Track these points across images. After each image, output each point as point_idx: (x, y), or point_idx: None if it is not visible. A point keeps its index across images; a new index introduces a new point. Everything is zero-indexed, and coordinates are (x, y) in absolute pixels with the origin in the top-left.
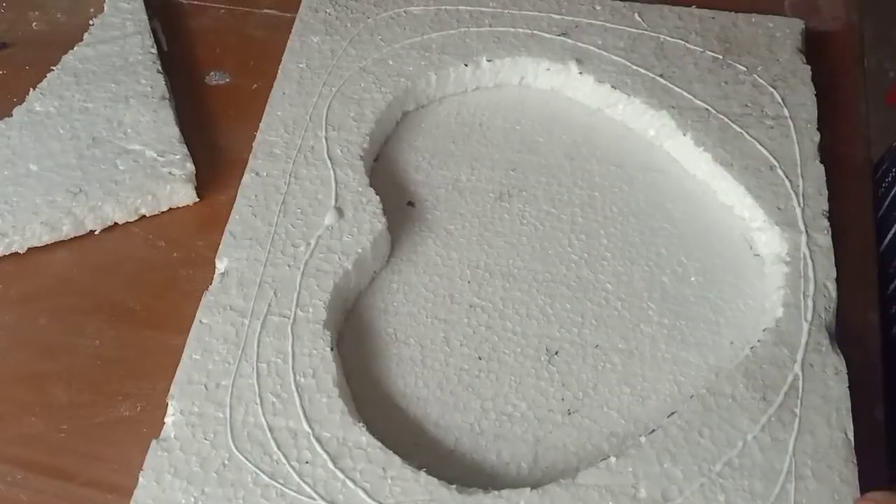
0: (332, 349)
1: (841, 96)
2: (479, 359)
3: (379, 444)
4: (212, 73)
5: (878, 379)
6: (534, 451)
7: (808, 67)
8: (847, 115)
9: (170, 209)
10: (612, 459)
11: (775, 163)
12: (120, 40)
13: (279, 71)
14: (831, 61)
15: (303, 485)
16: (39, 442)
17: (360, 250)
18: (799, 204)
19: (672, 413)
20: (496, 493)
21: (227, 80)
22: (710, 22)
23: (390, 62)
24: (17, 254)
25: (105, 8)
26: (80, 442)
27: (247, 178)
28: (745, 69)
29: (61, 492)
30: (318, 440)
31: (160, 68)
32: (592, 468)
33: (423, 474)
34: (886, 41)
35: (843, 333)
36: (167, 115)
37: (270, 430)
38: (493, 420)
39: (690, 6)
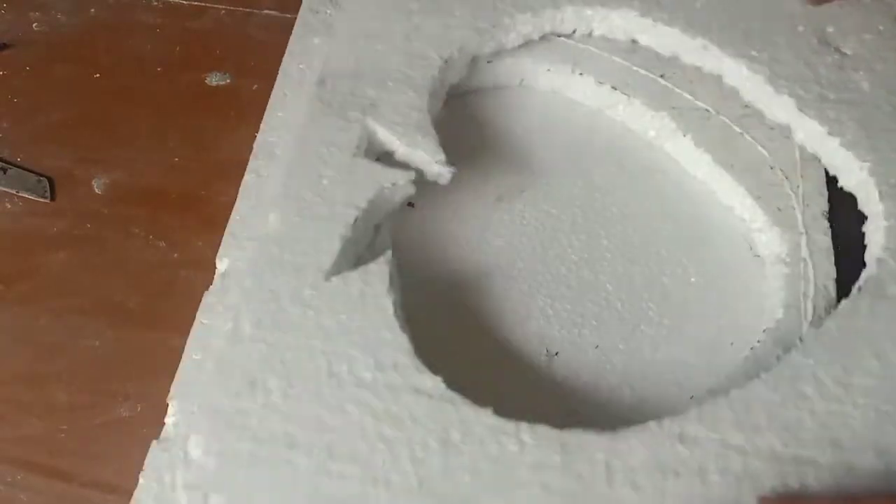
0: None
1: None
2: (479, 359)
3: None
4: (212, 73)
5: None
6: None
7: None
8: None
9: (170, 209)
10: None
11: (775, 164)
12: None
13: (280, 72)
14: None
15: None
16: (39, 442)
17: (360, 250)
18: (799, 205)
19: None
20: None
21: (228, 80)
22: None
23: None
24: (17, 254)
25: None
26: (80, 442)
27: (248, 178)
28: None
29: (61, 492)
30: None
31: None
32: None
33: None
34: None
35: None
36: None
37: None
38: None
39: None
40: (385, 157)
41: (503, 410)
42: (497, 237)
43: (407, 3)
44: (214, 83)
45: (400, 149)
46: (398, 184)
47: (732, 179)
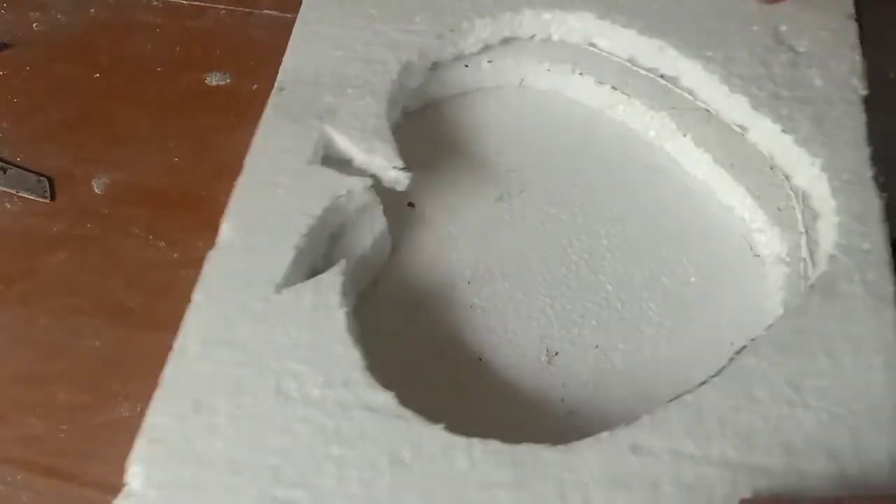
0: None
1: None
2: (479, 360)
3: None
4: (212, 73)
5: None
6: None
7: None
8: None
9: (170, 209)
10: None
11: (775, 164)
12: None
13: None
14: None
15: None
16: (39, 442)
17: (360, 251)
18: (799, 205)
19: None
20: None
21: (228, 80)
22: None
23: None
24: (17, 254)
25: None
26: (80, 442)
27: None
28: None
29: (61, 492)
30: None
31: None
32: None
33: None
34: (886, 41)
35: None
36: None
37: None
38: (492, 421)
39: None
40: (344, 165)
41: (502, 411)
42: (497, 237)
43: (366, 9)
44: (214, 83)
45: (358, 156)
46: (354, 191)
47: (732, 179)
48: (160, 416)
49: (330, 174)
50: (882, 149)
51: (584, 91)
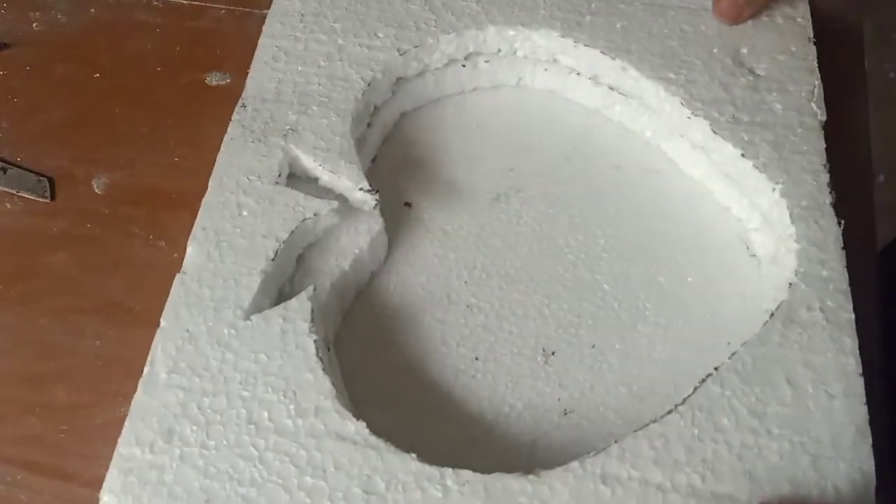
0: (328, 350)
1: (841, 97)
2: (476, 359)
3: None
4: (212, 73)
5: (876, 377)
6: (531, 451)
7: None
8: (847, 116)
9: (170, 209)
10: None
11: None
12: None
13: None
14: (831, 62)
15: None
16: (39, 442)
17: (356, 251)
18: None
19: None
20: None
21: (228, 80)
22: None
23: None
24: (17, 254)
25: None
26: (80, 442)
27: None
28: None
29: (61, 492)
30: None
31: None
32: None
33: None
34: (886, 41)
35: None
36: None
37: None
38: (489, 420)
39: None
40: (310, 183)
41: (500, 411)
42: (494, 237)
43: (330, 24)
44: (214, 83)
45: (323, 175)
46: (320, 214)
47: (729, 179)
48: (131, 446)
49: (295, 196)
50: (883, 149)
51: (582, 91)
